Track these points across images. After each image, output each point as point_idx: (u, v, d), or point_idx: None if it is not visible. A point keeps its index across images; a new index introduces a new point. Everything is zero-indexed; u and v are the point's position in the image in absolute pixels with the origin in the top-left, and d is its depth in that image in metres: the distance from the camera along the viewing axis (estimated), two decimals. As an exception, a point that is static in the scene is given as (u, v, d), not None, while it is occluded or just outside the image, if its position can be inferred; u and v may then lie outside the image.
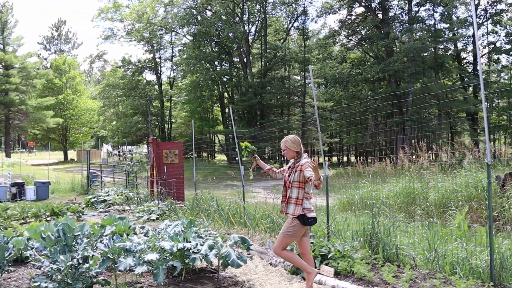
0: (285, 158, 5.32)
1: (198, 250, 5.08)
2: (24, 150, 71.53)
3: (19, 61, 47.80)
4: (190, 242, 5.15)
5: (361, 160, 12.21)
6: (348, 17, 39.08)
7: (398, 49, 35.01)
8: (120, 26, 49.24)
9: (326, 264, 5.57)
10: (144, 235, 6.58)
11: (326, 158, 6.51)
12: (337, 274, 5.44)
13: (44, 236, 4.75)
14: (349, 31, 39.14)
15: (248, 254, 5.94)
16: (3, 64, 47.07)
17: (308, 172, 4.52)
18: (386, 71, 32.39)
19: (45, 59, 68.49)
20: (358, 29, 38.72)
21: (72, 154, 60.79)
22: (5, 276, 5.59)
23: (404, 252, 5.83)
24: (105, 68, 61.29)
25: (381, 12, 36.65)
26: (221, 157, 58.64)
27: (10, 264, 5.35)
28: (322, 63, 41.22)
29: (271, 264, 6.20)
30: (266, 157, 32.83)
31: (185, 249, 4.87)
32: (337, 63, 40.64)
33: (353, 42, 40.25)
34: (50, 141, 54.45)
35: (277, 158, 40.34)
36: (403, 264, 5.59)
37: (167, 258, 4.84)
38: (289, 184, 4.75)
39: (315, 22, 42.42)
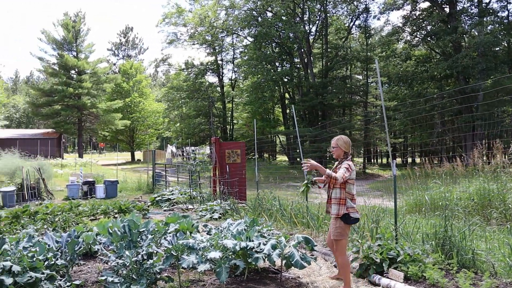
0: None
1: (261, 249, 4.98)
2: (95, 151, 75.49)
3: (90, 67, 50.48)
4: (252, 241, 5.06)
5: (427, 160, 11.61)
6: (413, 12, 37.59)
7: (467, 44, 33.16)
8: (183, 30, 50.81)
9: (395, 268, 5.27)
10: (207, 233, 6.59)
11: (390, 158, 6.18)
12: (407, 279, 5.12)
13: (111, 231, 4.85)
14: (414, 27, 37.62)
15: (311, 255, 5.76)
16: (76, 70, 49.86)
17: (340, 170, 4.68)
18: (454, 67, 30.76)
19: (114, 64, 71.94)
20: (423, 24, 37.10)
21: (138, 154, 63.23)
22: (76, 269, 5.80)
23: (481, 258, 5.38)
24: (169, 72, 63.18)
25: (448, 6, 34.87)
26: (282, 158, 58.57)
27: (80, 258, 5.53)
28: (385, 61, 39.95)
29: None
30: (327, 157, 32.32)
31: (248, 248, 4.79)
32: (401, 60, 39.16)
33: (418, 38, 38.65)
34: (118, 142, 56.98)
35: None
36: (480, 271, 5.17)
37: (230, 256, 4.78)
38: (332, 185, 4.84)
39: (378, 19, 41.30)
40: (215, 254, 4.49)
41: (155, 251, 4.64)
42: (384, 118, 6.45)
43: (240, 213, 9.77)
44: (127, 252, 4.30)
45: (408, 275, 5.12)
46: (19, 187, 16.53)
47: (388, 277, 5.13)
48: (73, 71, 50.20)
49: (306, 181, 5.30)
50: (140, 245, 4.63)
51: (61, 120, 48.09)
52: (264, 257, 4.90)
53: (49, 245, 5.07)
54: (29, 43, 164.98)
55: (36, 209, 10.60)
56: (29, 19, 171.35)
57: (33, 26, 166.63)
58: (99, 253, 6.14)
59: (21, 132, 53.75)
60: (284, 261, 5.15)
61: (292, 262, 4.88)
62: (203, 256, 4.62)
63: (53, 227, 8.72)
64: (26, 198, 16.05)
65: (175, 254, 4.57)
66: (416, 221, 6.82)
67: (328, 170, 4.69)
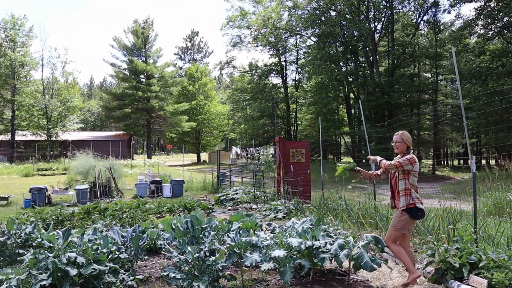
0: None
1: (327, 249, 4.70)
2: (163, 152, 78.03)
3: (158, 71, 52.26)
4: (318, 240, 4.79)
5: (506, 160, 10.69)
6: (487, 4, 35.27)
7: (550, 36, 30.64)
8: (247, 32, 51.04)
9: (477, 274, 4.77)
10: (271, 232, 6.40)
11: (470, 155, 5.70)
12: (491, 287, 4.62)
13: (173, 227, 4.79)
14: (488, 20, 35.25)
15: (380, 257, 5.39)
16: (145, 74, 51.81)
17: (402, 159, 4.83)
18: (534, 61, 28.51)
19: (180, 68, 74.07)
20: (499, 16, 34.68)
21: (204, 156, 64.50)
22: (140, 264, 5.82)
23: None
24: (233, 74, 64.05)
25: (527, -5, 32.40)
26: (346, 159, 57.36)
27: (144, 253, 5.54)
28: (457, 57, 37.77)
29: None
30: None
31: (314, 247, 4.53)
32: (474, 56, 36.90)
33: (492, 31, 36.22)
34: (184, 143, 58.52)
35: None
36: None
37: (295, 256, 4.54)
38: (396, 178, 4.95)
39: (448, 12, 38.79)
40: (279, 253, 4.28)
41: (217, 248, 4.51)
42: (463, 113, 5.93)
43: (304, 212, 9.49)
44: (189, 248, 4.20)
45: (493, 282, 4.60)
46: (92, 185, 17.29)
47: (468, 284, 4.65)
48: (142, 76, 52.19)
49: (346, 165, 5.40)
50: (202, 241, 4.52)
51: (131, 122, 50.18)
52: (330, 258, 4.62)
53: (114, 239, 5.10)
54: (103, 51, 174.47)
55: (106, 206, 10.96)
56: (103, 27, 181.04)
57: (107, 34, 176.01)
58: (162, 249, 6.14)
59: (94, 134, 56.72)
60: (352, 263, 4.84)
61: (361, 264, 4.56)
62: (267, 254, 4.42)
63: (121, 223, 8.93)
64: (98, 195, 16.73)
65: (237, 251, 4.41)
66: (499, 224, 6.21)
67: (387, 162, 4.95)
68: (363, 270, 4.75)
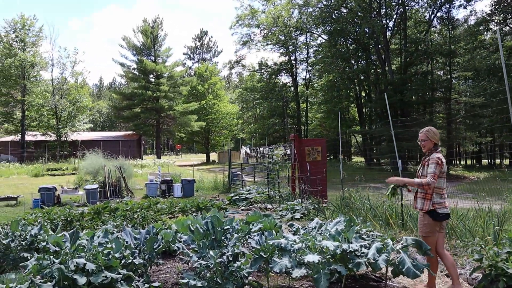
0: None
1: (363, 253, 4.21)
2: (172, 152, 77.80)
3: (167, 71, 52.00)
4: (352, 243, 4.31)
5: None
6: (504, -2, 34.45)
7: None
8: (257, 31, 50.65)
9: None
10: (293, 234, 5.94)
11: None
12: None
13: (192, 228, 4.33)
14: (505, 14, 34.43)
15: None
16: (155, 74, 51.56)
17: (430, 168, 4.40)
18: (555, 57, 27.72)
19: (190, 68, 73.81)
20: (516, 11, 33.89)
21: (213, 156, 64.14)
22: (154, 268, 5.38)
23: None
24: (243, 74, 63.69)
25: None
26: (357, 159, 56.66)
27: (159, 256, 5.10)
28: (471, 54, 36.94)
29: (447, 275, 5.06)
30: (406, 156, 30.44)
31: (348, 251, 4.04)
32: (490, 52, 36.07)
33: (510, 27, 35.38)
34: (194, 143, 58.22)
35: (418, 158, 37.42)
36: None
37: (329, 261, 4.05)
38: (420, 177, 4.57)
39: (464, 7, 37.70)
40: (313, 258, 3.80)
41: (241, 252, 4.05)
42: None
43: (324, 213, 9.00)
44: (211, 252, 3.74)
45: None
46: (101, 185, 16.94)
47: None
48: (151, 75, 51.96)
49: (392, 184, 4.98)
50: (224, 244, 4.05)
51: (140, 122, 49.96)
52: (367, 263, 4.13)
53: (127, 242, 4.65)
54: (113, 52, 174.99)
55: (116, 205, 10.57)
56: (113, 27, 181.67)
57: (116, 34, 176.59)
58: (178, 252, 5.69)
59: (103, 134, 56.59)
60: (390, 268, 4.35)
61: (403, 270, 4.05)
62: (298, 259, 3.94)
63: (132, 223, 8.52)
64: (108, 195, 16.39)
65: (264, 256, 3.94)
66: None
67: (416, 180, 4.47)
68: (404, 277, 4.25)
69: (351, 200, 8.69)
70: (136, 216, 9.01)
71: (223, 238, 4.18)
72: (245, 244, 5.71)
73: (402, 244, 4.39)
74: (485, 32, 35.92)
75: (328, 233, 4.41)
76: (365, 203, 8.21)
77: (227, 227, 4.37)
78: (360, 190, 10.14)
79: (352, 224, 4.77)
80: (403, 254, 4.13)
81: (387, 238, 4.37)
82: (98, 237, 4.52)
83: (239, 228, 4.94)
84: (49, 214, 9.25)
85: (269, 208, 12.14)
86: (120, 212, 9.46)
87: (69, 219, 8.54)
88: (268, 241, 4.07)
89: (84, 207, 12.16)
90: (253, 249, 4.08)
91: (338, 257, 4.19)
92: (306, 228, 5.96)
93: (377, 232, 5.07)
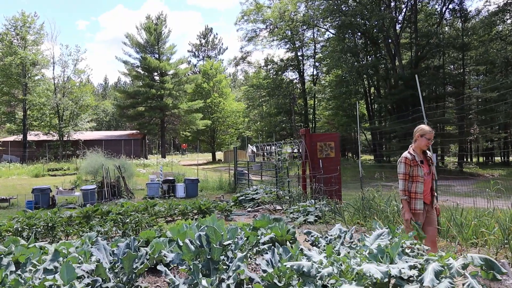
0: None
1: (410, 276, 3.07)
2: (178, 152, 76.88)
3: (172, 68, 50.99)
4: (395, 262, 3.19)
5: None
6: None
7: None
8: (262, 27, 49.54)
9: None
10: (311, 244, 4.82)
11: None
12: None
13: (180, 244, 3.22)
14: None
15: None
16: (159, 71, 50.56)
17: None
18: None
19: (195, 65, 72.75)
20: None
21: (219, 155, 63.12)
22: (139, 292, 4.26)
23: None
24: (248, 71, 62.55)
25: None
26: (366, 157, 55.28)
27: (142, 276, 4.00)
28: (486, 47, 35.50)
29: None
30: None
31: (398, 277, 2.90)
32: (506, 44, 34.63)
33: (526, 18, 33.97)
34: (199, 142, 57.21)
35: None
36: None
37: (371, 291, 2.92)
38: (433, 176, 4.66)
39: (479, -2, 36.31)
40: (351, 289, 2.67)
41: (247, 277, 2.93)
42: None
43: (343, 216, 7.85)
44: (204, 282, 2.62)
45: None
46: (100, 185, 15.95)
47: None
48: (155, 73, 51.01)
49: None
50: (224, 267, 2.93)
51: (145, 121, 49.06)
52: (420, 291, 2.99)
53: (98, 260, 3.55)
54: (118, 51, 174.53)
55: (109, 208, 9.52)
56: (120, 28, 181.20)
57: (123, 35, 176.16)
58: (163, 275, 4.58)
59: (106, 134, 55.71)
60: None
61: (472, 303, 2.91)
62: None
63: (123, 229, 7.43)
64: (106, 196, 15.39)
65: (280, 284, 2.81)
66: None
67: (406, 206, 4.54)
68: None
69: (374, 201, 7.51)
70: (128, 220, 7.93)
71: (222, 257, 3.05)
72: (251, 258, 4.59)
73: (464, 263, 3.23)
74: (501, 23, 34.49)
75: (367, 251, 3.26)
76: (392, 205, 7.03)
77: (227, 242, 3.24)
78: (381, 190, 9.01)
79: (394, 236, 3.62)
80: (471, 280, 2.98)
81: (447, 258, 3.20)
82: (56, 257, 3.38)
83: (244, 242, 3.80)
84: (32, 218, 8.22)
85: (278, 209, 11.03)
86: (112, 216, 8.38)
87: (50, 224, 7.44)
88: (284, 263, 2.94)
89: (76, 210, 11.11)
90: (264, 274, 2.95)
91: (382, 284, 3.05)
92: (326, 237, 4.85)
93: (422, 245, 3.92)
